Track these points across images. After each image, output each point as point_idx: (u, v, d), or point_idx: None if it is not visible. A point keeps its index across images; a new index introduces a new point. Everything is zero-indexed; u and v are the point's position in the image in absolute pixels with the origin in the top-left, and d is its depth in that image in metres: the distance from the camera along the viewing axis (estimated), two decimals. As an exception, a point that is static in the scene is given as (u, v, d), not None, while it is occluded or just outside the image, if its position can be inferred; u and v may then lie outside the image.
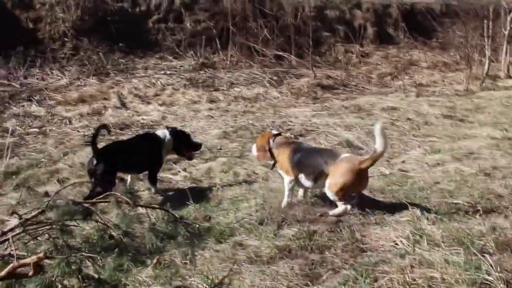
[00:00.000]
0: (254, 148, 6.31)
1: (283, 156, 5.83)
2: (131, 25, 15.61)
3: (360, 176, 5.37)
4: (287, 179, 5.79)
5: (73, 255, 4.46)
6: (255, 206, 5.70)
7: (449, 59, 17.08)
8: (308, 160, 5.62)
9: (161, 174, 7.17)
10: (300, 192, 6.07)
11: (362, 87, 14.33)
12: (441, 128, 9.99)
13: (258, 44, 15.84)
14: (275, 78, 14.12)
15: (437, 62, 16.86)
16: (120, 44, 15.03)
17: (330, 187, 5.35)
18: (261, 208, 5.64)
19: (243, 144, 8.58)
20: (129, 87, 12.67)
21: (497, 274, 3.83)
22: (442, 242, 4.49)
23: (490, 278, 3.82)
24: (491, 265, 3.94)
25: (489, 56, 14.89)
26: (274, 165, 6.12)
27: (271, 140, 6.00)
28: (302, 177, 5.67)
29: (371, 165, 5.43)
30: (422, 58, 17.04)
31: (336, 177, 5.32)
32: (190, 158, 7.23)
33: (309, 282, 4.05)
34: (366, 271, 4.08)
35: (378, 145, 5.28)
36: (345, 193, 5.35)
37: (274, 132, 6.24)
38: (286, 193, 5.79)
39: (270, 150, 6.00)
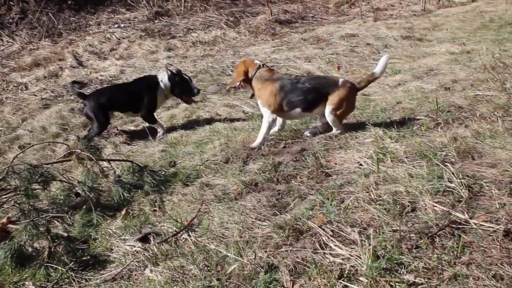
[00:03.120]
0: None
1: (266, 90, 5.58)
2: (77, -20, 15.09)
3: (355, 98, 5.74)
4: (268, 115, 5.57)
5: (40, 217, 4.39)
6: (220, 146, 5.65)
7: (405, -20, 16.92)
8: (303, 91, 5.49)
9: (122, 127, 7.09)
10: (276, 127, 5.92)
11: (320, 18, 14.20)
12: (400, 49, 9.99)
13: (211, -15, 15.50)
14: (231, 19, 13.94)
15: (393, -16, 16.70)
16: (69, 2, 14.63)
17: (332, 111, 5.42)
18: (226, 147, 5.60)
19: (204, 88, 8.48)
20: (84, 45, 12.37)
21: (458, 180, 3.87)
22: (405, 157, 4.52)
23: (452, 185, 3.86)
24: (452, 173, 3.98)
25: (444, -28, 14.79)
26: (253, 95, 5.90)
27: (252, 70, 5.72)
28: (295, 111, 5.57)
29: (366, 86, 5.83)
30: (378, -18, 16.85)
31: (340, 101, 5.43)
32: (187, 102, 7.27)
33: (276, 212, 4.07)
34: (332, 194, 4.10)
35: (378, 69, 5.57)
36: (345, 115, 5.62)
37: (257, 62, 5.87)
38: (264, 130, 5.56)
39: (250, 79, 5.73)
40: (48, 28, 13.48)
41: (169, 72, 7.00)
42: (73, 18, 14.25)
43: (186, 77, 7.14)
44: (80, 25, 13.99)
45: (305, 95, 5.47)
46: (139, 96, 6.95)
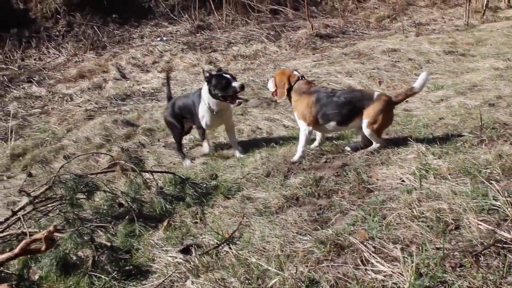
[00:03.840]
0: (271, 83, 5.93)
1: (302, 103, 5.59)
2: (122, -6, 15.44)
3: (393, 112, 5.67)
4: (305, 127, 5.58)
5: (84, 226, 4.49)
6: (261, 159, 5.68)
7: (447, -5, 16.76)
8: (338, 105, 5.48)
9: (165, 139, 7.19)
10: (317, 142, 5.96)
11: (361, 32, 14.16)
12: (443, 64, 9.88)
13: (253, 0, 15.61)
14: (272, 33, 14.02)
15: (435, -1, 16.58)
16: (114, 15, 14.93)
17: (369, 125, 5.40)
18: (267, 161, 5.62)
19: (245, 102, 8.54)
20: (127, 57, 12.63)
21: (504, 198, 3.80)
22: (449, 174, 4.46)
23: (497, 203, 3.79)
24: (498, 191, 3.91)
25: (488, -13, 14.60)
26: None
27: (292, 81, 5.69)
28: (330, 124, 5.57)
29: (403, 100, 5.81)
30: (419, -3, 16.75)
31: (376, 114, 5.40)
32: (232, 102, 6.33)
33: (318, 226, 4.06)
34: (374, 210, 4.08)
35: (417, 84, 5.50)
36: (383, 129, 5.57)
37: (296, 73, 5.83)
38: (302, 143, 5.58)
39: (289, 89, 5.70)
40: (93, 40, 13.82)
41: (206, 75, 6.34)
42: (117, 31, 14.57)
43: (226, 75, 6.34)
44: (123, 38, 14.29)
45: (340, 108, 5.47)
46: (194, 107, 6.51)
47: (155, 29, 14.90)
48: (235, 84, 6.17)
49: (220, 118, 6.49)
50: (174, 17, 15.40)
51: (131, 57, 12.67)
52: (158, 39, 14.06)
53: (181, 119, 6.77)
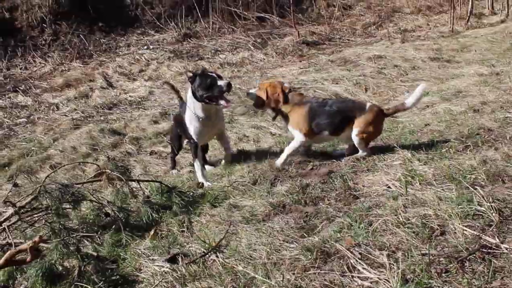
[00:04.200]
0: (260, 92, 5.71)
1: (296, 114, 5.59)
2: (108, 3, 15.41)
3: (383, 123, 5.75)
4: (300, 138, 5.56)
5: (70, 236, 4.47)
6: (247, 167, 5.68)
7: (432, 2, 16.91)
8: (331, 115, 5.51)
9: (152, 148, 7.18)
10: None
11: (347, 39, 14.24)
12: (428, 71, 9.96)
13: (239, 7, 15.69)
14: (259, 40, 14.08)
15: (420, 6, 16.73)
16: (100, 24, 14.93)
17: (359, 134, 5.44)
18: (254, 169, 5.62)
19: (232, 109, 8.55)
20: (114, 66, 12.62)
21: (488, 204, 3.83)
22: (434, 180, 4.49)
23: (482, 208, 3.82)
24: (482, 197, 3.93)
25: (472, -6, 14.76)
26: (275, 116, 5.88)
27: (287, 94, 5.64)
28: (324, 133, 5.60)
29: (393, 114, 5.90)
30: (405, 4, 16.91)
31: (366, 125, 5.45)
32: (217, 103, 5.65)
33: (304, 234, 4.07)
34: (360, 217, 4.09)
35: (409, 101, 5.59)
36: (371, 139, 5.64)
37: (286, 85, 5.75)
38: (289, 151, 5.55)
39: (284, 102, 5.62)
40: (79, 49, 13.79)
41: (189, 75, 5.79)
42: (104, 40, 14.55)
43: (211, 73, 5.75)
44: (110, 46, 14.27)
45: (332, 118, 5.50)
46: (183, 118, 6.01)
47: (141, 38, 14.90)
48: (220, 82, 5.53)
49: (208, 127, 5.88)
50: (161, 25, 15.41)
51: (118, 66, 12.65)
52: (145, 47, 14.05)
53: (178, 134, 6.36)
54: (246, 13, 15.70)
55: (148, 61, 12.99)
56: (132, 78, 12.00)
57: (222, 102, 5.60)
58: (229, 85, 5.55)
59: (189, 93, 5.73)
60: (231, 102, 5.64)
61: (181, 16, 15.33)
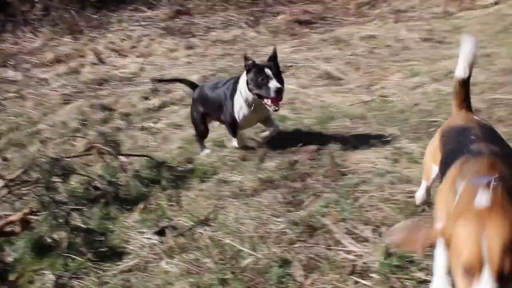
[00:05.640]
0: None
1: None
2: (100, -22, 15.24)
3: None
4: None
5: (60, 209, 4.50)
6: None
7: (427, -18, 16.82)
8: None
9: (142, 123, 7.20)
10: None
11: (340, 18, 14.15)
12: (420, 51, 9.95)
13: (232, -15, 15.56)
14: (251, 18, 13.95)
15: (414, -14, 16.61)
16: (92, 0, 14.74)
17: None
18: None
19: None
20: (105, 42, 12.51)
21: (473, 181, 3.89)
22: (421, 158, 4.54)
23: (466, 185, 3.88)
24: (467, 174, 3.99)
25: (467, -25, 14.69)
26: None
27: None
28: None
29: None
30: (399, -16, 16.78)
31: None
32: (265, 102, 5.25)
33: (291, 208, 4.12)
34: (347, 193, 4.15)
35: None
36: None
37: None
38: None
39: None
40: (70, 25, 13.64)
41: (248, 62, 5.32)
42: (95, 16, 14.40)
43: (267, 70, 5.19)
44: (101, 22, 14.13)
45: None
46: (225, 99, 5.67)
47: (133, 14, 14.75)
48: (271, 85, 5.10)
49: (257, 113, 5.52)
50: (153, 2, 15.28)
51: (109, 42, 12.54)
52: (137, 23, 13.94)
53: (204, 116, 5.99)
54: (239, -9, 15.60)
55: (140, 37, 12.87)
56: (123, 54, 11.89)
57: (269, 103, 5.20)
58: (277, 92, 5.10)
59: (243, 79, 5.41)
60: (279, 106, 5.24)
61: (173, -8, 15.22)
